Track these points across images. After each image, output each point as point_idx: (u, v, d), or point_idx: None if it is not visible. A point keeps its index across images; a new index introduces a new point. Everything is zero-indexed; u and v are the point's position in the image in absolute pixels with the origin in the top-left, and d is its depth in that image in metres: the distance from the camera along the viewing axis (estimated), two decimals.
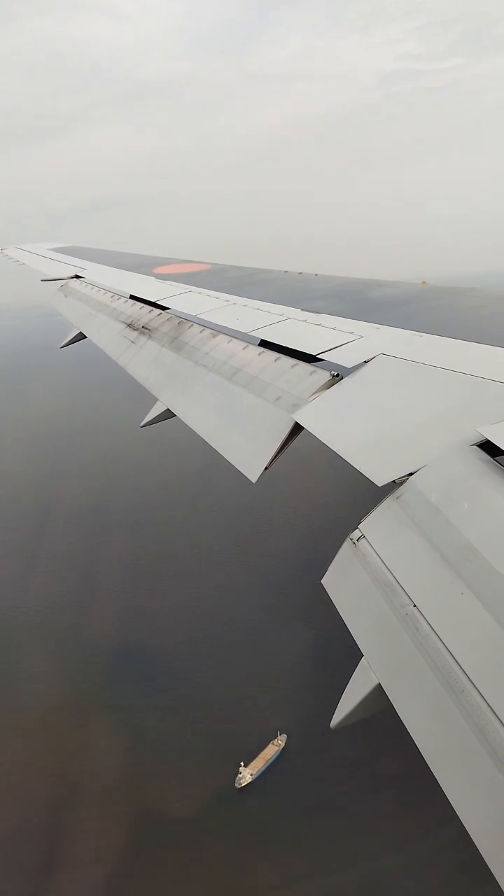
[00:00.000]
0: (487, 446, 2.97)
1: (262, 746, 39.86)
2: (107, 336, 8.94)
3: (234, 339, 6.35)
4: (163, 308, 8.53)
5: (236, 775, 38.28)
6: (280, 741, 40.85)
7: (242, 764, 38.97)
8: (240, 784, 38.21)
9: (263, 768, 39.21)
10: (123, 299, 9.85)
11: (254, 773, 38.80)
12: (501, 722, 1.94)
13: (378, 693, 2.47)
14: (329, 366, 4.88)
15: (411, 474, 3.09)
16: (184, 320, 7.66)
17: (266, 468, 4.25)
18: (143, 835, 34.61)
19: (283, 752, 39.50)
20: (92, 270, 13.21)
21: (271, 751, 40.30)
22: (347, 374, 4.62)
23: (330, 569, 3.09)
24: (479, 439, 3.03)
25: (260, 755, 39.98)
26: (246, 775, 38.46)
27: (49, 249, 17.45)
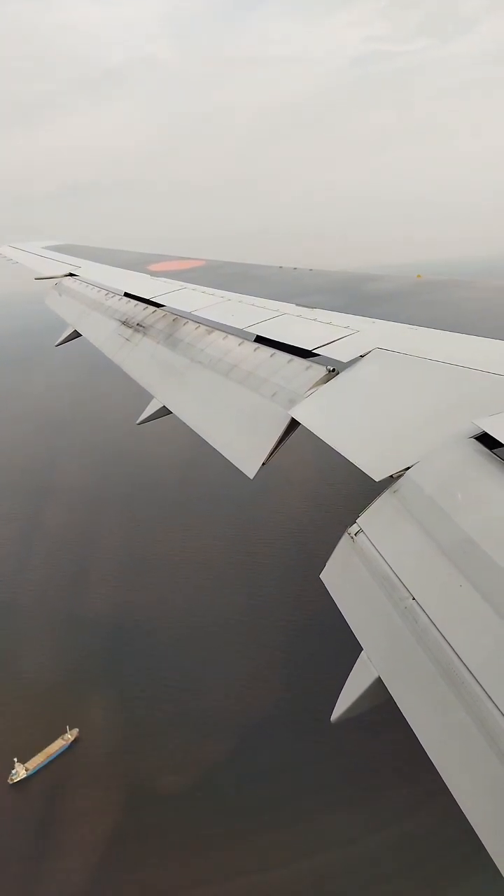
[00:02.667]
0: (485, 438, 2.97)
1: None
2: (102, 334, 8.92)
3: (229, 336, 6.34)
4: (157, 305, 8.51)
5: (10, 770, 37.08)
6: (70, 735, 39.33)
7: (17, 759, 37.61)
8: (12, 780, 36.89)
9: (44, 763, 37.84)
10: (118, 297, 9.82)
11: (30, 768, 37.42)
12: (501, 712, 1.94)
13: (378, 686, 2.48)
14: (325, 361, 4.87)
15: (409, 468, 3.10)
16: (179, 317, 7.64)
17: (263, 464, 4.25)
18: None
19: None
20: (86, 268, 13.17)
21: (57, 745, 38.92)
22: (344, 369, 4.62)
23: (328, 563, 3.09)
24: (476, 432, 3.03)
25: (44, 750, 38.53)
26: (20, 770, 37.24)
27: (43, 248, 17.40)
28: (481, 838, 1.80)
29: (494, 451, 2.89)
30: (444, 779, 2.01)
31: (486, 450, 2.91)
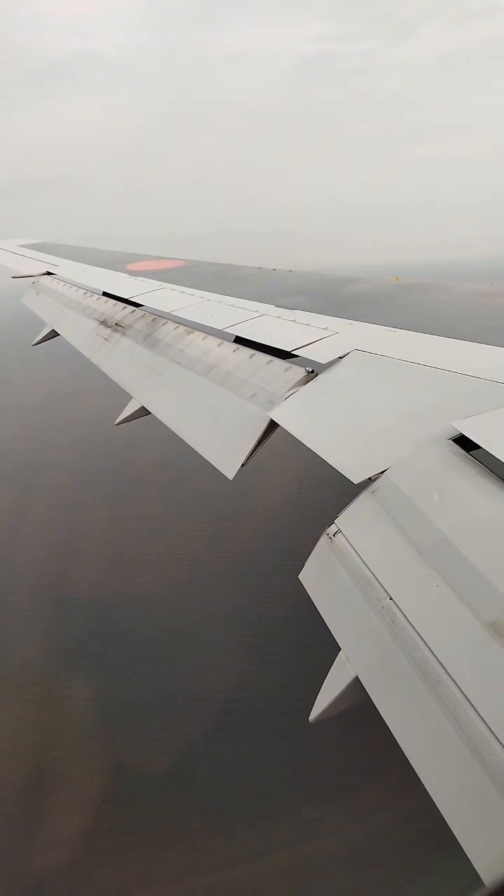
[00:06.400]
0: (462, 441, 3.01)
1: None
2: (80, 334, 8.86)
3: (208, 336, 6.34)
4: (136, 305, 8.48)
5: None
6: None
7: None
8: None
9: None
10: (96, 296, 9.77)
11: None
12: (476, 710, 1.97)
13: (356, 686, 2.49)
14: (304, 362, 4.89)
15: (387, 470, 3.12)
16: (157, 317, 7.62)
17: (242, 465, 4.25)
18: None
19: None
20: (64, 267, 13.06)
21: None
22: (322, 371, 4.64)
23: (307, 564, 3.10)
24: (453, 434, 3.07)
25: None
26: None
27: (19, 245, 17.20)
28: (454, 831, 1.85)
29: (471, 452, 2.93)
30: (417, 773, 2.04)
31: (463, 452, 2.94)
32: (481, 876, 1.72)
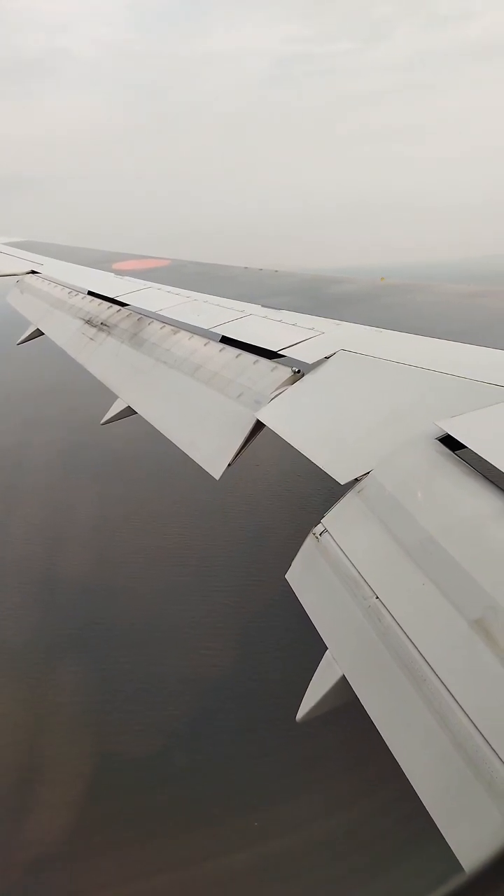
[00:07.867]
0: (447, 440, 3.03)
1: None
2: (65, 333, 8.82)
3: (194, 336, 6.33)
4: (122, 304, 8.45)
5: None
6: None
7: None
8: None
9: None
10: (81, 296, 9.72)
11: None
12: (459, 706, 2.00)
13: (342, 685, 2.51)
14: (290, 362, 4.90)
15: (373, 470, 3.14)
16: (143, 317, 7.60)
17: (229, 465, 4.25)
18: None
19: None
20: (48, 266, 12.98)
21: None
22: (309, 371, 4.65)
23: (294, 563, 3.11)
24: (439, 433, 3.09)
25: None
26: None
27: (3, 244, 17.07)
28: (436, 820, 1.91)
29: (457, 452, 2.95)
30: (403, 768, 2.08)
31: (448, 451, 2.97)
32: (461, 862, 1.76)
